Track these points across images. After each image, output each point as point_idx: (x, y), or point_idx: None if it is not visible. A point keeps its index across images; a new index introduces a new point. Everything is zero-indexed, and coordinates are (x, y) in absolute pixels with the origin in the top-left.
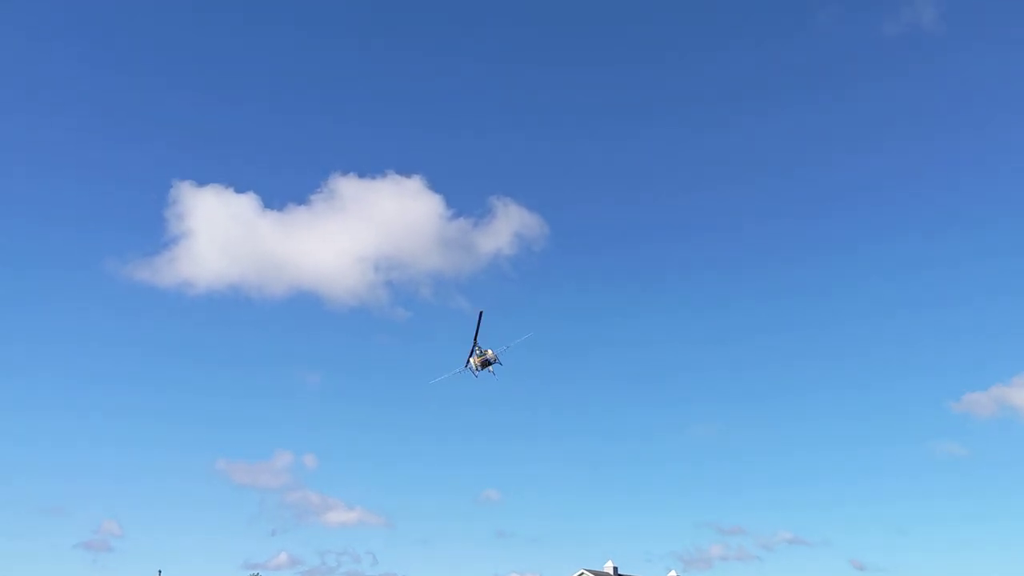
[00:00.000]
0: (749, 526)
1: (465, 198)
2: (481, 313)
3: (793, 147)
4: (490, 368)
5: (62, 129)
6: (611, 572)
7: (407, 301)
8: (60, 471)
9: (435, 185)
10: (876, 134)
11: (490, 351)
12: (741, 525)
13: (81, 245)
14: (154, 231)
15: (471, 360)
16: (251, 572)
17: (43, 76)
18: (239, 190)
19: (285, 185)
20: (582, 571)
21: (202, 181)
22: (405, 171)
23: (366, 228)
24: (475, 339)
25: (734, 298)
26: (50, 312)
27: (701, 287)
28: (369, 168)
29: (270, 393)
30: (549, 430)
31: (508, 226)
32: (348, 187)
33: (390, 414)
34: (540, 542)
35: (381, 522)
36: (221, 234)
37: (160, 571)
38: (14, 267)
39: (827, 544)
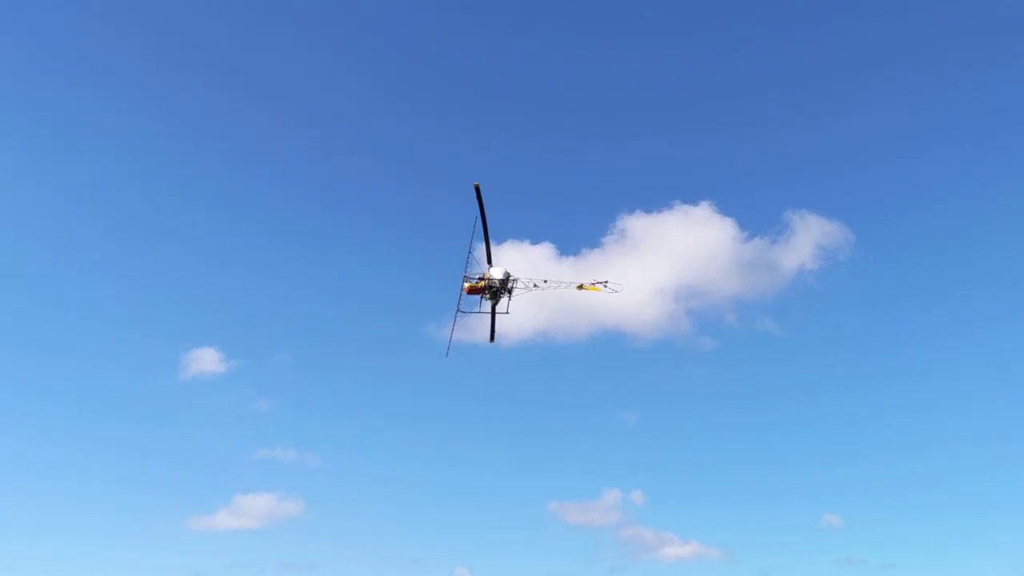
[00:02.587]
0: None
1: (757, 217)
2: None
3: None
4: (487, 296)
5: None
6: None
7: (712, 329)
8: (417, 521)
9: (724, 209)
10: None
11: (495, 271)
12: None
13: (403, 317)
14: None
15: (463, 287)
16: None
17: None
18: (535, 241)
19: (577, 232)
20: None
21: (499, 239)
22: (691, 200)
23: (660, 261)
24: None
25: None
26: (382, 370)
27: None
28: (655, 203)
29: (590, 433)
30: (889, 446)
31: (808, 239)
32: (637, 224)
33: (710, 444)
34: (894, 570)
35: (718, 554)
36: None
37: None
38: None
39: None
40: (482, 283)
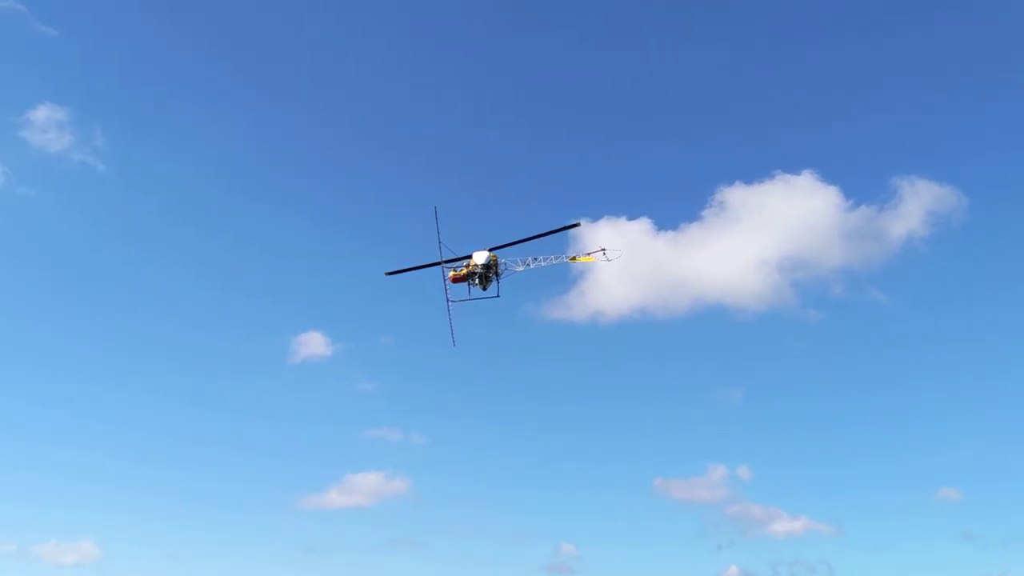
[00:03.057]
0: None
1: (863, 184)
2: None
3: None
4: (477, 281)
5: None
6: None
7: (818, 301)
8: (522, 498)
9: (828, 177)
10: None
11: (477, 257)
12: None
13: (503, 295)
14: (561, 272)
15: (448, 277)
16: None
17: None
18: (632, 217)
19: (675, 206)
20: None
21: (595, 216)
22: (793, 169)
23: (762, 233)
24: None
25: None
26: (480, 359)
27: None
28: (755, 173)
29: (694, 410)
30: (1007, 419)
31: (918, 205)
32: (737, 196)
33: (817, 419)
34: (1017, 545)
35: (830, 530)
36: (621, 263)
37: None
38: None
39: None
40: (466, 271)
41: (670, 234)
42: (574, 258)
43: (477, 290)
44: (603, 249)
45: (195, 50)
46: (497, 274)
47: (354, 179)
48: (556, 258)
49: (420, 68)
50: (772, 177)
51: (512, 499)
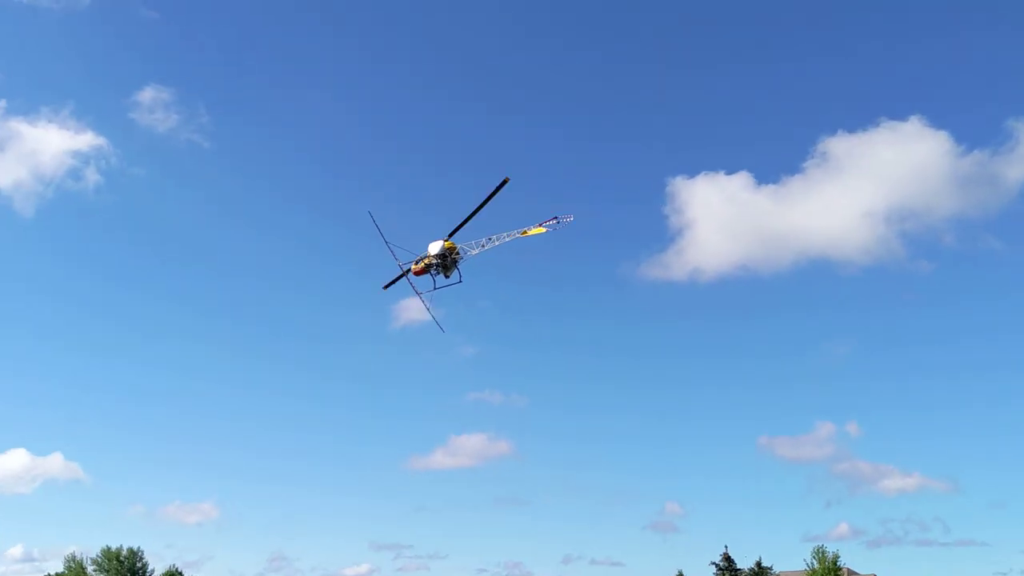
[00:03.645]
0: None
1: (975, 128)
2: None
3: None
4: (438, 271)
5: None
6: None
7: (928, 252)
8: (625, 457)
9: (937, 122)
10: None
11: (431, 248)
12: None
13: (598, 256)
14: (658, 230)
15: (410, 271)
16: (814, 544)
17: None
18: (730, 172)
19: (775, 158)
20: None
21: (692, 172)
22: (899, 115)
23: (868, 183)
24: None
25: None
26: (579, 321)
27: None
28: (858, 121)
29: (799, 367)
30: None
31: None
32: (840, 146)
33: (929, 374)
34: None
35: (945, 486)
36: (721, 218)
37: (726, 546)
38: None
39: None
40: (423, 264)
41: (771, 187)
42: (525, 231)
43: (442, 279)
44: (555, 217)
45: (293, 28)
46: (456, 260)
47: (451, 154)
48: (508, 235)
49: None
50: (877, 124)
51: (615, 459)
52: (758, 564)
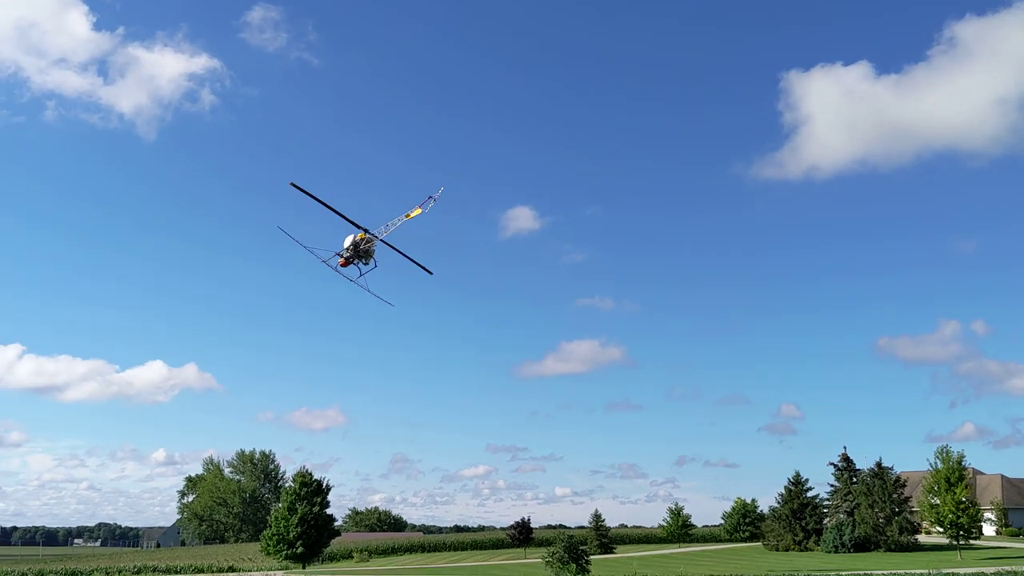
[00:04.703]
0: None
1: None
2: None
3: None
4: (358, 260)
5: None
6: None
7: None
8: (739, 361)
9: None
10: None
11: (346, 241)
12: None
13: (709, 157)
14: (771, 127)
15: (339, 265)
16: (936, 445)
17: None
18: (847, 63)
19: (896, 45)
20: None
21: (807, 65)
22: None
23: (999, 69)
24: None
25: None
26: (689, 224)
27: None
28: (988, 3)
29: (922, 264)
30: None
31: None
32: (968, 30)
33: None
34: None
35: None
36: (839, 112)
37: (845, 447)
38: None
39: None
40: (343, 258)
41: (892, 77)
42: (408, 215)
43: (365, 267)
44: (430, 196)
45: None
46: (369, 248)
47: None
48: (399, 219)
49: None
50: (1009, 5)
51: (729, 362)
52: (878, 464)
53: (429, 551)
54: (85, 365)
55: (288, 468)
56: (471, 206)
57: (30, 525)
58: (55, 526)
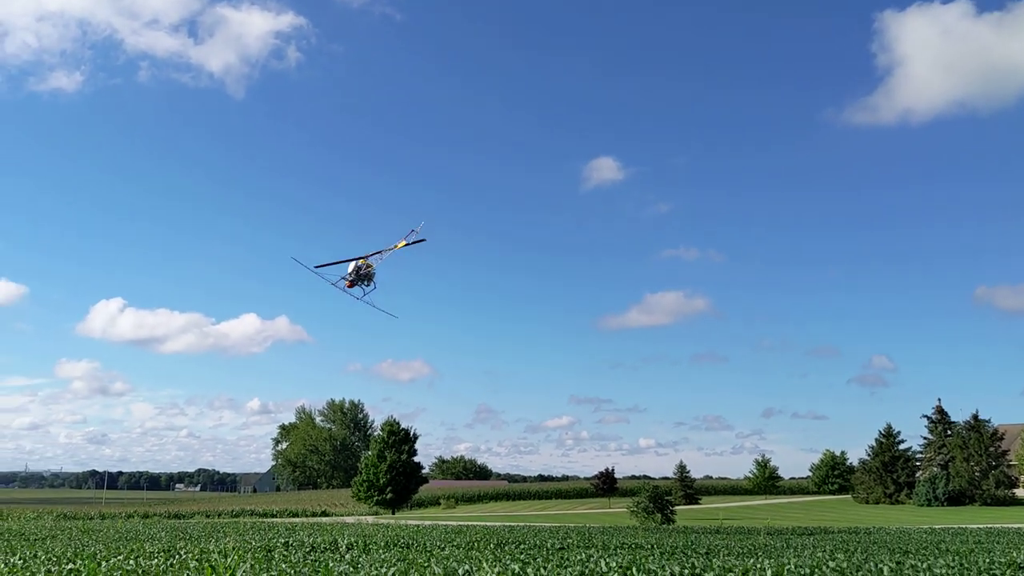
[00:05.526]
0: None
1: None
2: None
3: None
4: (361, 282)
5: None
6: None
7: None
8: (829, 314)
9: None
10: None
11: (349, 267)
12: None
13: (798, 102)
14: (864, 70)
15: (346, 287)
16: None
17: None
18: (946, 1)
19: None
20: None
21: (902, 4)
22: None
23: None
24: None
25: None
26: (778, 172)
27: None
28: None
29: (1022, 211)
30: None
31: None
32: None
33: None
34: None
35: None
36: (936, 53)
37: (939, 399)
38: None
39: None
40: (349, 280)
41: (995, 15)
42: (396, 246)
43: (367, 287)
44: (412, 230)
45: None
46: (369, 273)
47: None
48: (388, 249)
49: None
50: None
51: (818, 312)
52: (974, 417)
53: (514, 499)
54: (183, 318)
55: (376, 418)
56: (552, 160)
57: (134, 470)
58: (157, 471)
